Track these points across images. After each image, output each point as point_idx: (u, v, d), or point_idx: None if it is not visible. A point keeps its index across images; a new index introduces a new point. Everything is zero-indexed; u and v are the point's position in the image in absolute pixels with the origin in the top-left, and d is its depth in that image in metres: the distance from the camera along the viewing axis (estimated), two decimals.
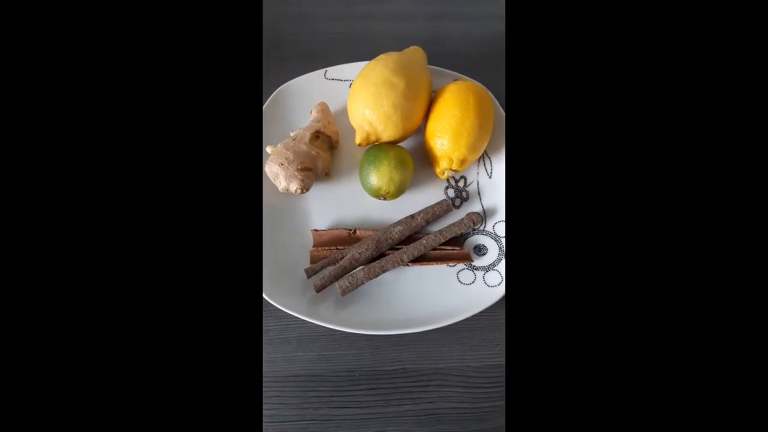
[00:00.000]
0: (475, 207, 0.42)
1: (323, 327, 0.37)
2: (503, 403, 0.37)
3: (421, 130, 0.42)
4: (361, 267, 0.38)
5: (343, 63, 0.45)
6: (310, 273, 0.38)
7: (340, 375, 0.37)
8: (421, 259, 0.38)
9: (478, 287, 0.39)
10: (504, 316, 0.39)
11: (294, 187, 0.38)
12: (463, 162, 0.39)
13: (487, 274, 0.39)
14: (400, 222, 0.39)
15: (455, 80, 0.43)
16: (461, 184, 0.42)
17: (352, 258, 0.38)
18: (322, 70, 0.44)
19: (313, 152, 0.39)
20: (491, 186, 0.42)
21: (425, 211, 0.40)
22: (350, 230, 0.39)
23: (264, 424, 0.36)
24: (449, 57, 0.48)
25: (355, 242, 0.39)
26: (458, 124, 0.38)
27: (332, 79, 0.44)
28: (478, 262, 0.40)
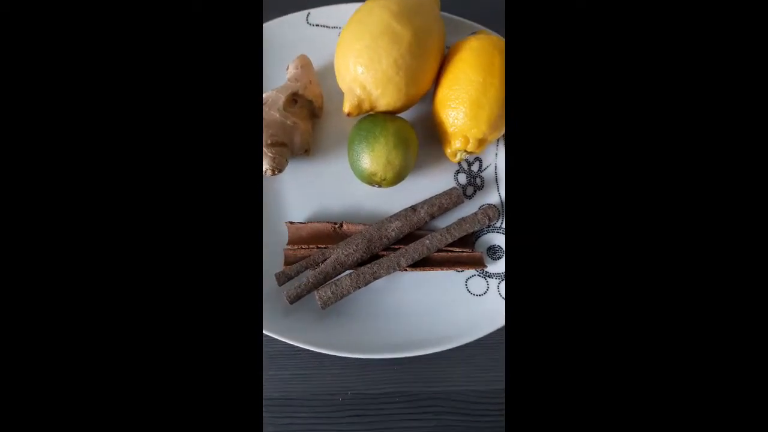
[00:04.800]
0: (491, 198, 0.35)
1: None
2: None
3: (428, 96, 0.34)
4: (347, 272, 0.32)
5: (332, 3, 0.36)
6: (282, 279, 0.32)
7: (321, 399, 0.33)
8: (422, 263, 0.33)
9: (491, 299, 0.33)
10: None
11: (263, 167, 0.31)
12: (481, 142, 0.32)
13: (502, 283, 0.34)
14: (398, 215, 0.33)
15: (475, 33, 0.35)
16: (475, 168, 0.35)
17: (336, 261, 0.32)
18: (304, 12, 0.36)
19: (289, 122, 0.32)
20: None
21: (430, 202, 0.33)
22: (335, 224, 0.33)
23: None
24: (468, 1, 0.38)
25: (341, 240, 0.33)
26: (479, 93, 0.30)
27: (317, 25, 0.36)
28: (493, 267, 0.34)
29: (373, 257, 0.33)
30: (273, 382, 0.33)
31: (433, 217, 0.33)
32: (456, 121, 0.31)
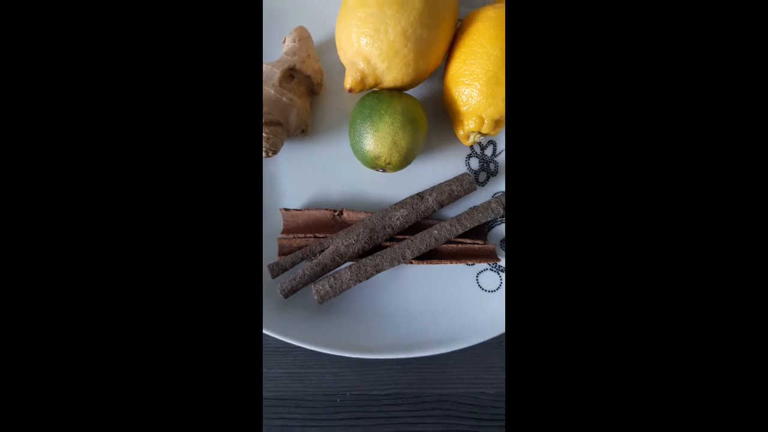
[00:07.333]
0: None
1: None
2: None
3: (439, 72, 0.32)
4: (347, 264, 0.30)
5: None
6: (276, 270, 0.29)
7: (317, 400, 0.32)
8: (430, 255, 0.30)
9: (504, 296, 0.31)
10: None
11: None
12: (498, 123, 0.29)
13: None
14: (403, 203, 0.30)
15: (492, 2, 0.32)
16: (489, 152, 0.32)
17: (335, 252, 0.29)
18: None
19: (285, 99, 0.29)
20: None
21: (439, 188, 0.31)
22: (334, 211, 0.31)
23: None
24: None
25: (341, 229, 0.31)
26: (496, 68, 0.27)
27: None
28: None
29: (376, 248, 0.30)
30: (265, 380, 0.31)
31: (442, 205, 0.31)
32: (470, 99, 0.28)
